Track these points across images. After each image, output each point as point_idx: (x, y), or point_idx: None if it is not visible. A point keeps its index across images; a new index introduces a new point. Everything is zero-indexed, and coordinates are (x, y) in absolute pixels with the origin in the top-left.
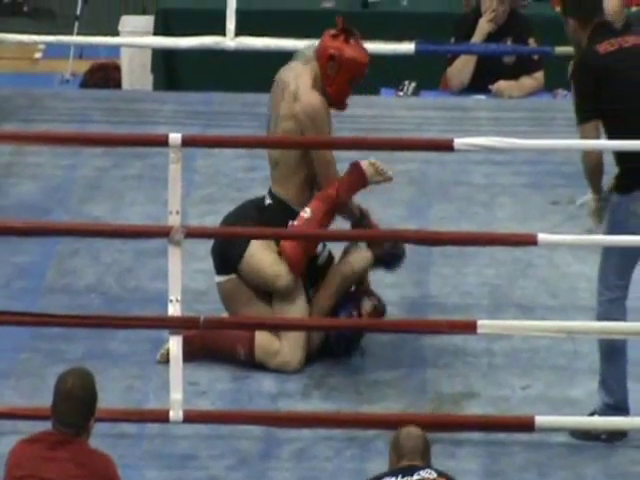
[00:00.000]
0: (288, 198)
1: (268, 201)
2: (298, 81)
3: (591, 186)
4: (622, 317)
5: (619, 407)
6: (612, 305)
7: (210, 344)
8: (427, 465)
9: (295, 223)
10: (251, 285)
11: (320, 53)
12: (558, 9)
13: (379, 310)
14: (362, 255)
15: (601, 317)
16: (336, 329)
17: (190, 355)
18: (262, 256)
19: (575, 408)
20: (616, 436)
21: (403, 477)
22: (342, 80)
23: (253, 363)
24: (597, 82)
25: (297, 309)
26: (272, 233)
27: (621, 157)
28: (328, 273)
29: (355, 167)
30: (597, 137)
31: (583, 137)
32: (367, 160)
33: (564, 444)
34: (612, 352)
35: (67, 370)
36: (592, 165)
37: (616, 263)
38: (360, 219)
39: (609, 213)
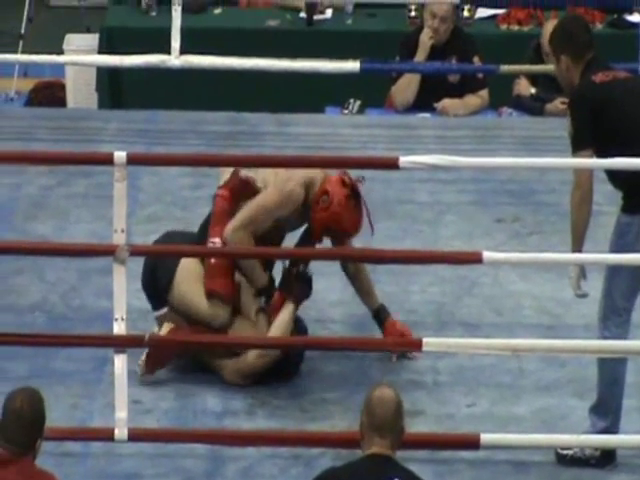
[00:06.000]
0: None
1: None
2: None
3: (575, 237)
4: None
5: (611, 432)
6: (619, 329)
7: None
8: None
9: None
10: (183, 316)
11: (321, 184)
12: (503, 27)
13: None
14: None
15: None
16: (284, 346)
17: None
18: (191, 288)
19: (520, 426)
20: (605, 460)
21: None
22: (321, 220)
23: None
24: (594, 112)
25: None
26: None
27: (631, 177)
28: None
29: None
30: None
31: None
32: None
33: (509, 462)
34: (616, 376)
35: (17, 389)
36: (584, 212)
37: (624, 285)
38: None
39: (616, 236)
